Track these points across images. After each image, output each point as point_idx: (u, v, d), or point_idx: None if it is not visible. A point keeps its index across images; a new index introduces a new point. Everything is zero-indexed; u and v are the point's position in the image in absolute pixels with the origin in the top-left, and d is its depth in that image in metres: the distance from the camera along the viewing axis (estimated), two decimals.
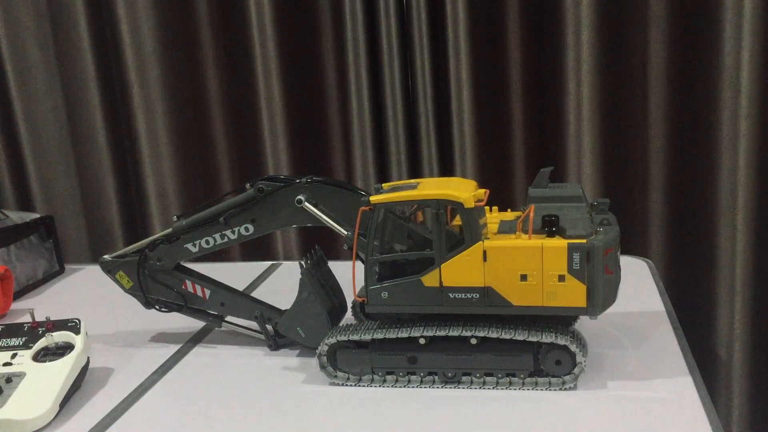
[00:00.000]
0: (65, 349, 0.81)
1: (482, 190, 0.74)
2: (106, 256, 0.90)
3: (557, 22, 1.28)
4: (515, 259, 0.71)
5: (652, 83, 1.28)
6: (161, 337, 0.96)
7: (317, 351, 0.78)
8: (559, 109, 1.32)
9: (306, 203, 0.81)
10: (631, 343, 0.84)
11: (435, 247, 0.72)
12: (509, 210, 0.83)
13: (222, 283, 0.90)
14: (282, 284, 1.16)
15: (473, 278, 0.72)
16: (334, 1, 1.37)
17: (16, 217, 1.24)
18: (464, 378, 0.76)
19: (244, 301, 0.89)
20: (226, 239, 0.85)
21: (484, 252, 0.71)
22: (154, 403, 0.78)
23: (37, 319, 0.85)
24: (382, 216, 0.75)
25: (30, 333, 0.83)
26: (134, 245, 0.89)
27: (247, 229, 0.84)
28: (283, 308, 0.87)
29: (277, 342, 0.89)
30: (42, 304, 1.14)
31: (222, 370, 0.85)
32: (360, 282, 0.77)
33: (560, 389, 0.74)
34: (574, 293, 0.70)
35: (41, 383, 0.76)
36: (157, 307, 0.91)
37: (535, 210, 0.75)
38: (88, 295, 1.17)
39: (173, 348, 0.92)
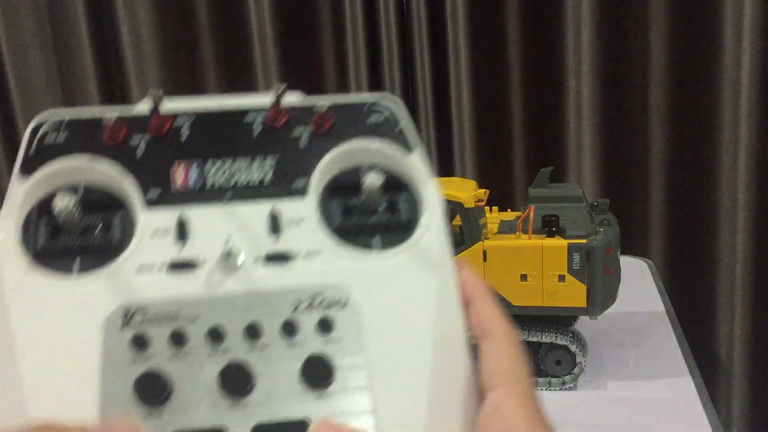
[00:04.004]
0: None
1: (482, 190, 0.74)
2: None
3: (557, 21, 1.28)
4: (515, 259, 0.71)
5: (653, 83, 1.28)
6: None
7: None
8: (559, 109, 1.32)
9: None
10: (631, 343, 0.84)
11: None
12: (509, 210, 0.83)
13: None
14: None
15: None
16: (333, 1, 1.37)
17: None
18: None
19: None
20: None
21: (484, 252, 0.71)
22: None
23: None
24: None
25: None
26: None
27: None
28: None
29: None
30: None
31: None
32: None
33: (560, 389, 0.74)
34: (574, 293, 0.70)
35: None
36: None
37: (535, 210, 0.75)
38: None
39: None
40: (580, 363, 0.73)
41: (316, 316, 0.31)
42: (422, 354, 0.31)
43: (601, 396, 0.72)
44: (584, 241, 0.69)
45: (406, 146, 0.35)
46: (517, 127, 1.36)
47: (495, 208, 0.82)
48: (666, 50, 1.26)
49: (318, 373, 0.30)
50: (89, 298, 0.31)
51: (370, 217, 0.34)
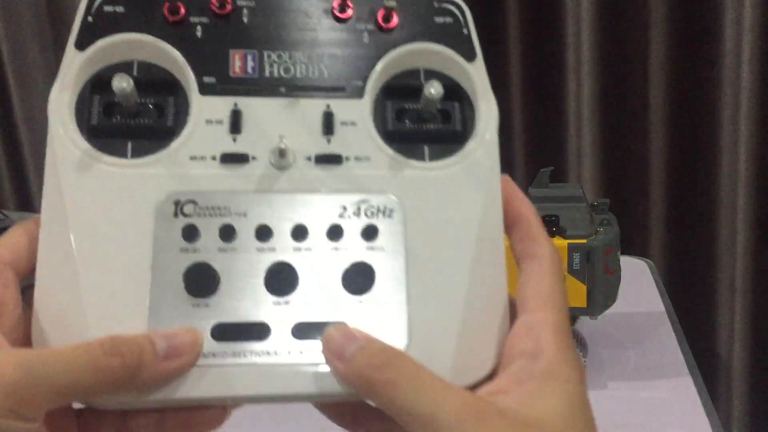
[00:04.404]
0: None
1: None
2: None
3: (557, 20, 1.28)
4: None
5: (653, 83, 1.28)
6: None
7: None
8: (559, 109, 1.32)
9: None
10: (631, 343, 0.84)
11: None
12: None
13: None
14: None
15: None
16: None
17: (16, 217, 1.24)
18: None
19: None
20: None
21: None
22: None
23: None
24: None
25: None
26: None
27: None
28: None
29: None
30: None
31: None
32: None
33: None
34: (574, 293, 0.70)
35: None
36: None
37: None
38: None
39: None
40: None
41: (361, 223, 0.32)
42: (461, 270, 0.32)
43: (601, 396, 0.72)
44: (584, 241, 0.69)
45: (470, 54, 0.35)
46: (516, 126, 1.36)
47: None
48: (666, 50, 1.26)
49: (359, 280, 0.31)
50: (143, 182, 0.31)
51: (424, 124, 0.34)
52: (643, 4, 1.25)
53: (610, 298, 0.72)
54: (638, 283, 1.03)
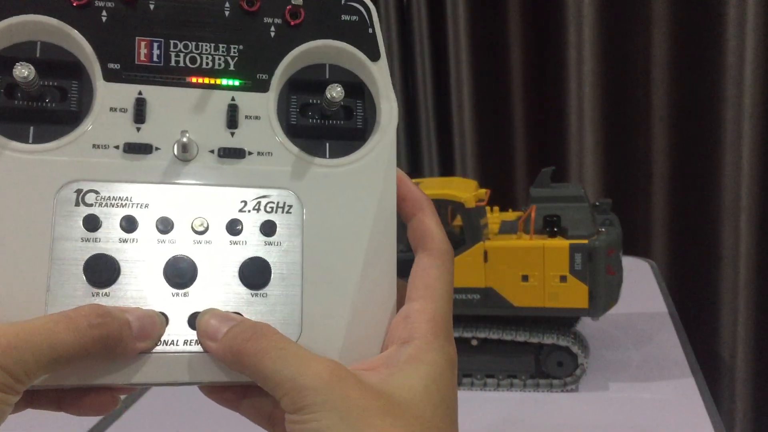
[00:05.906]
0: None
1: (483, 190, 0.73)
2: None
3: (559, 20, 1.27)
4: (516, 260, 0.70)
5: (655, 82, 1.28)
6: None
7: None
8: (561, 108, 1.31)
9: None
10: (634, 344, 0.83)
11: None
12: (510, 210, 0.83)
13: None
14: None
15: (474, 279, 0.71)
16: None
17: None
18: (465, 379, 0.75)
19: None
20: None
21: (485, 252, 0.71)
22: (154, 402, 0.78)
23: None
24: None
25: None
26: None
27: None
28: None
29: None
30: None
31: None
32: None
33: (562, 391, 0.73)
34: (575, 294, 0.70)
35: None
36: None
37: (537, 210, 0.74)
38: None
39: None
40: (582, 364, 0.72)
41: (260, 218, 0.32)
42: (353, 265, 0.33)
43: (603, 398, 0.72)
44: (586, 241, 0.68)
45: (373, 53, 0.35)
46: (518, 126, 1.36)
47: (496, 208, 0.81)
48: (668, 49, 1.26)
49: (255, 275, 0.32)
50: (44, 169, 0.31)
51: (326, 120, 0.34)
52: (645, 2, 1.24)
53: (612, 298, 0.71)
54: (640, 284, 1.03)
